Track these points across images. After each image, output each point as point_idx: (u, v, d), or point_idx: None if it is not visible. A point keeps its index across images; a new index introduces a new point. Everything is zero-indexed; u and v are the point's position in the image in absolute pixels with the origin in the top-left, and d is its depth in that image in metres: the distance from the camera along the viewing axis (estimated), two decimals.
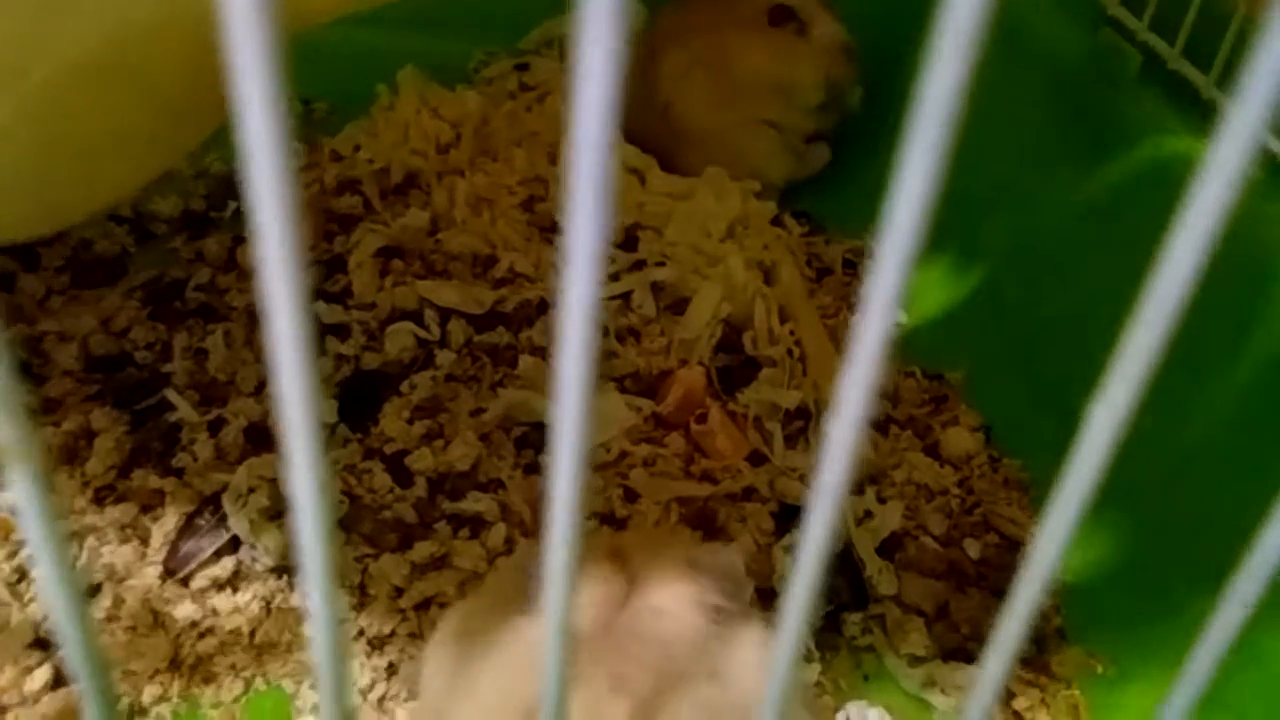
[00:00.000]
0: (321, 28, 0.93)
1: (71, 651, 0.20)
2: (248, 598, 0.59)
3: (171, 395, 0.68)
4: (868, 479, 0.66)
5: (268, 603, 0.59)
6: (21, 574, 0.59)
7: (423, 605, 0.59)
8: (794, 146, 0.86)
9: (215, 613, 0.59)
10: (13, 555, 0.60)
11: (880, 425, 0.70)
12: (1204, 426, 0.59)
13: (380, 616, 0.58)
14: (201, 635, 0.58)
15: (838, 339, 0.75)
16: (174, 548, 0.61)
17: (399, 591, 0.59)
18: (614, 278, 0.76)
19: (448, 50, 0.97)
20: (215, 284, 0.76)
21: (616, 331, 0.73)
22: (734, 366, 0.72)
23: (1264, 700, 0.50)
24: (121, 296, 0.75)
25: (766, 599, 0.60)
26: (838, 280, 0.81)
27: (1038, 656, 0.58)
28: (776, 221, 0.84)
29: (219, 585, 0.60)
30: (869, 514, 0.64)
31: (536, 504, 0.63)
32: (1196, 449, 0.59)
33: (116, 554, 0.60)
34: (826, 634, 0.59)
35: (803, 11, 0.84)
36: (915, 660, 0.58)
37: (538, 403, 0.67)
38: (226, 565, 0.60)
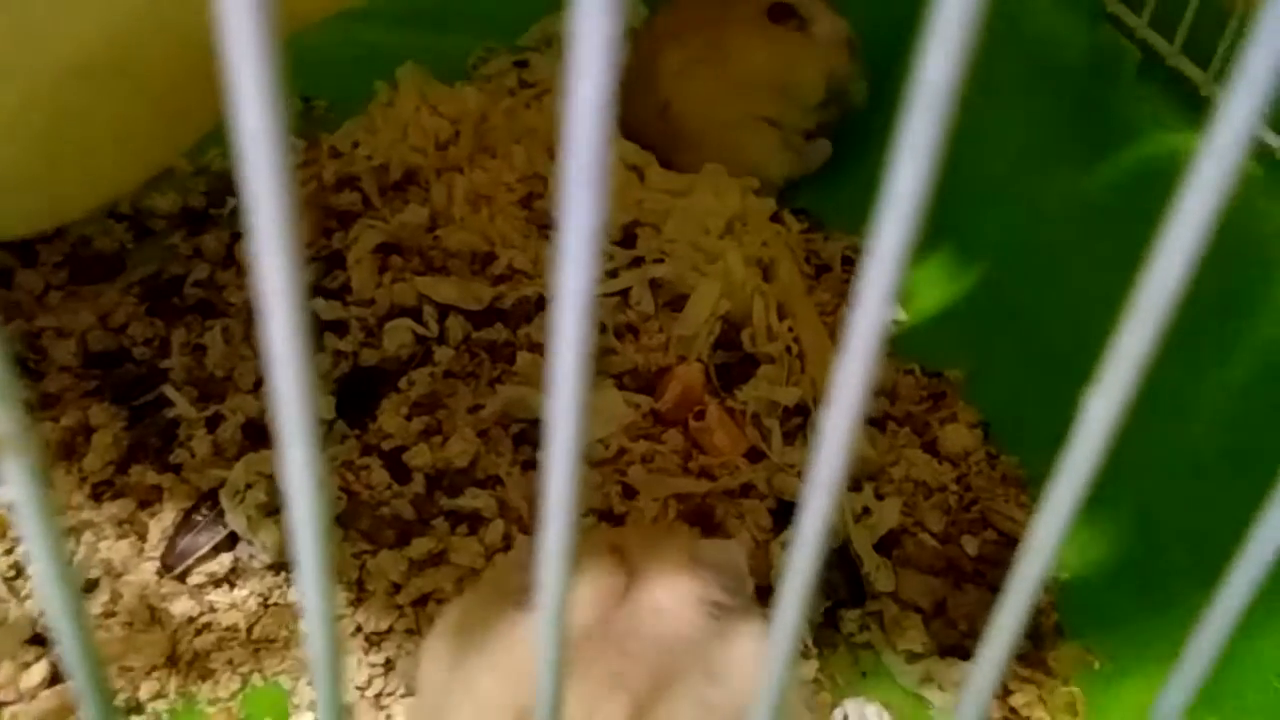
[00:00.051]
0: (320, 24, 0.93)
1: (68, 647, 0.20)
2: (245, 594, 0.60)
3: (169, 391, 0.68)
4: (866, 476, 0.66)
5: (265, 599, 0.60)
6: (18, 570, 0.59)
7: (420, 601, 0.59)
8: (794, 144, 0.86)
9: (213, 609, 0.59)
10: (9, 551, 0.60)
11: (879, 422, 0.70)
12: (1201, 422, 0.59)
13: (378, 613, 0.58)
14: (199, 631, 0.58)
15: (836, 336, 0.75)
16: (171, 544, 0.61)
17: (396, 588, 0.59)
18: (612, 274, 0.76)
19: (447, 47, 0.97)
20: (214, 280, 0.76)
21: (615, 328, 0.73)
22: (732, 363, 0.72)
23: (1260, 696, 0.50)
24: (120, 293, 0.75)
25: (764, 596, 0.60)
26: (836, 277, 0.81)
27: (1035, 653, 0.58)
28: (775, 218, 0.84)
29: (216, 581, 0.60)
30: (867, 511, 0.64)
31: (535, 500, 0.63)
32: (1194, 444, 0.59)
33: (114, 550, 0.60)
34: (824, 630, 0.59)
35: (803, 8, 0.84)
36: (913, 657, 0.59)
37: (536, 399, 0.67)
38: (224, 561, 0.60)
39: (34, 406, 0.66)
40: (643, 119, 0.85)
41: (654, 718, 0.38)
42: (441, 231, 0.78)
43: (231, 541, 0.61)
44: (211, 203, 0.83)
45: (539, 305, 0.74)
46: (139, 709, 0.55)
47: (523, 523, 0.63)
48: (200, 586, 0.60)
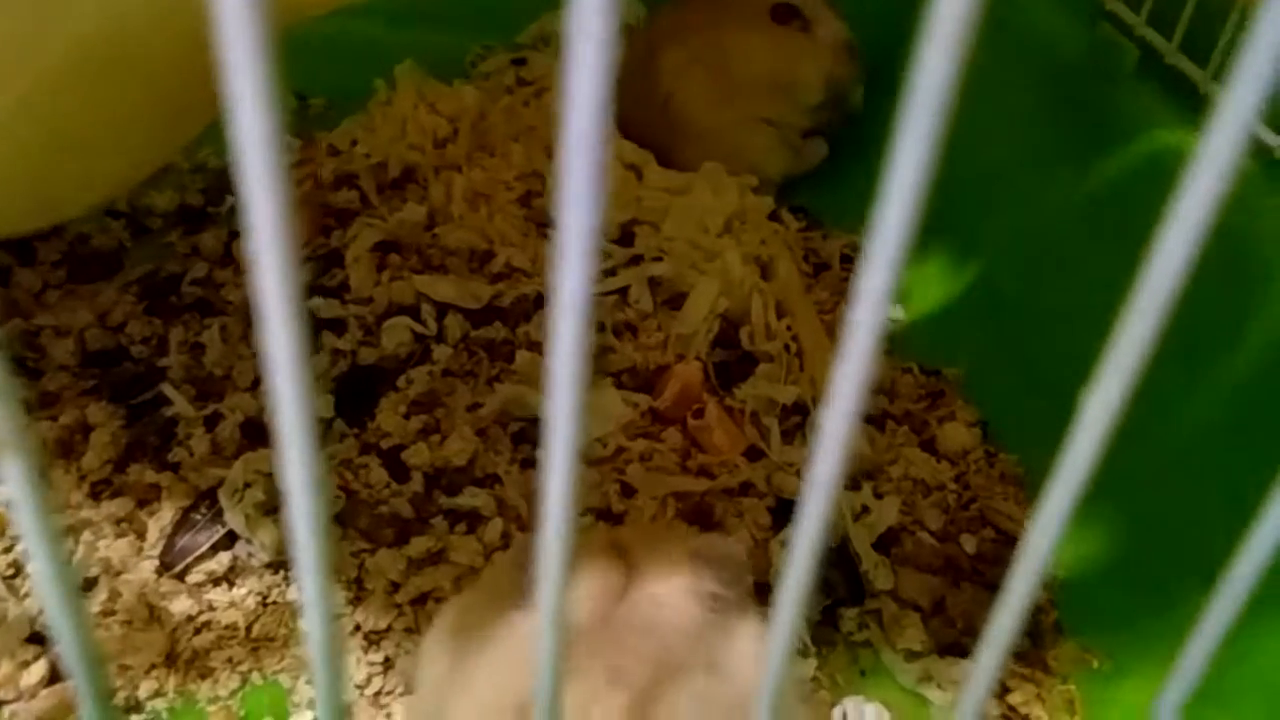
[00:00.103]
0: (318, 21, 0.92)
1: (67, 646, 0.20)
2: (244, 592, 0.59)
3: (168, 390, 0.68)
4: (864, 474, 0.66)
5: (264, 597, 0.59)
6: (17, 568, 0.59)
7: (419, 600, 0.59)
8: (791, 142, 0.86)
9: (211, 607, 0.59)
10: (8, 549, 0.60)
11: (877, 420, 0.70)
12: (1199, 420, 0.59)
13: (376, 611, 0.58)
14: (198, 630, 0.58)
15: (834, 334, 0.75)
16: (170, 542, 0.61)
17: (395, 586, 0.59)
18: (611, 273, 0.76)
19: (445, 45, 0.97)
20: (211, 279, 0.76)
21: (613, 327, 0.73)
22: (731, 362, 0.72)
23: (1258, 694, 0.50)
24: (118, 291, 0.75)
25: (764, 593, 0.60)
26: (835, 275, 0.81)
27: (1033, 651, 0.58)
28: (774, 217, 0.84)
29: (215, 580, 0.60)
30: (866, 509, 0.64)
31: (533, 499, 0.63)
32: (1192, 443, 0.59)
33: (112, 548, 0.60)
34: (823, 629, 0.59)
35: (806, 9, 0.84)
36: (911, 655, 0.59)
37: (534, 398, 0.67)
38: (223, 560, 0.60)
39: (32, 405, 0.66)
40: (642, 116, 0.85)
41: (653, 712, 0.38)
42: (440, 230, 0.78)
43: (230, 540, 0.61)
44: (209, 201, 0.83)
45: (537, 303, 0.74)
46: (138, 707, 0.55)
47: (521, 521, 0.63)
48: (199, 585, 0.60)
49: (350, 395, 0.68)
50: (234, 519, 0.61)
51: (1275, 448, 0.54)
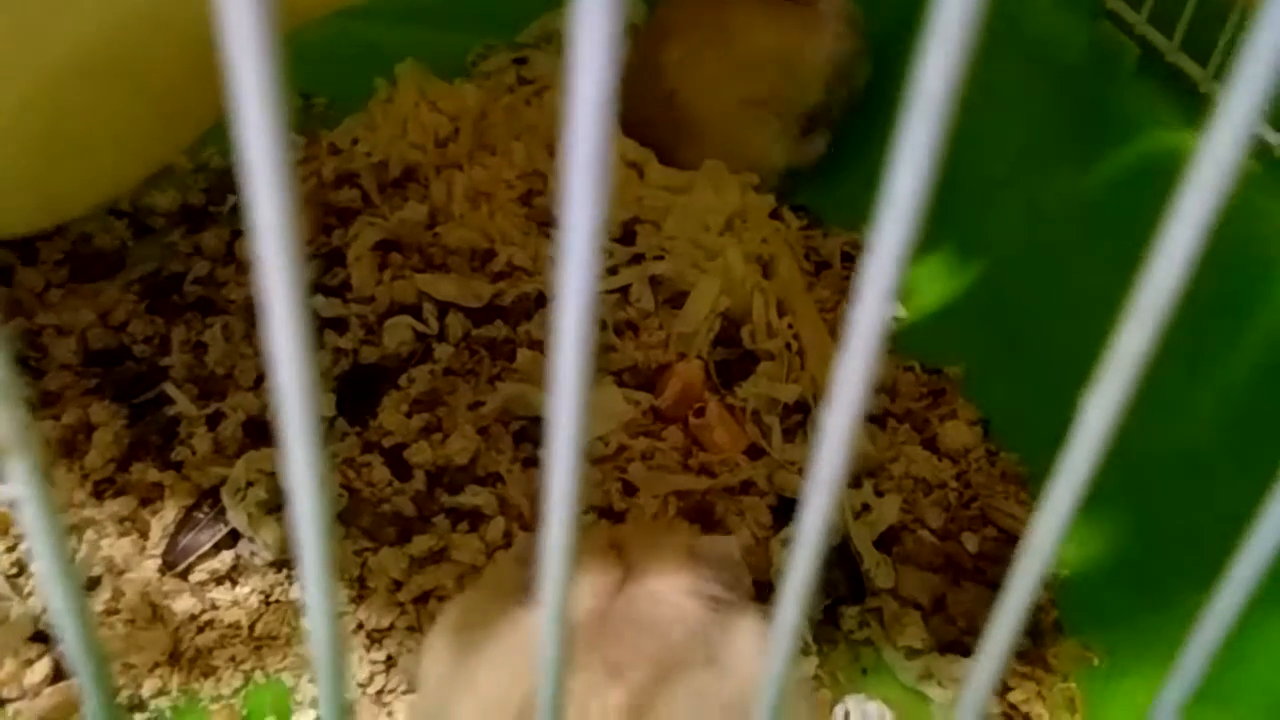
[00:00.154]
0: (320, 21, 0.93)
1: (71, 645, 0.20)
2: (247, 591, 0.60)
3: (170, 389, 0.68)
4: (866, 472, 0.66)
5: (267, 596, 0.60)
6: (21, 567, 0.59)
7: (421, 599, 0.59)
8: (794, 131, 0.86)
9: (214, 606, 0.59)
10: (12, 549, 0.60)
11: (878, 419, 0.70)
12: (1201, 420, 0.59)
13: (379, 610, 0.58)
14: (201, 629, 0.58)
15: (836, 333, 0.75)
16: (173, 541, 0.61)
17: (398, 585, 0.59)
18: (612, 271, 0.76)
19: (446, 44, 0.97)
20: (214, 278, 0.77)
21: (615, 325, 0.73)
22: (732, 360, 0.72)
23: (1258, 694, 0.50)
24: (120, 290, 0.75)
25: (764, 592, 0.60)
26: (836, 274, 0.81)
27: (1034, 649, 0.59)
28: (775, 215, 0.84)
29: (218, 579, 0.60)
30: (867, 507, 0.64)
31: (535, 497, 0.63)
32: (1193, 442, 0.59)
33: (115, 547, 0.60)
34: (824, 627, 0.60)
35: None
36: (912, 653, 0.59)
37: (536, 396, 0.67)
38: (225, 559, 0.60)
39: (35, 404, 0.67)
40: (644, 114, 0.85)
41: (651, 707, 0.38)
42: (441, 229, 0.78)
43: (233, 539, 0.61)
44: (211, 200, 0.83)
45: (539, 302, 0.74)
46: (141, 706, 0.55)
47: (523, 520, 0.63)
48: (202, 584, 0.60)
49: (352, 394, 0.68)
50: (236, 518, 0.61)
51: (1276, 446, 0.54)
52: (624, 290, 0.75)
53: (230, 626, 0.58)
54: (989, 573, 0.62)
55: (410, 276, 0.74)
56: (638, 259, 0.77)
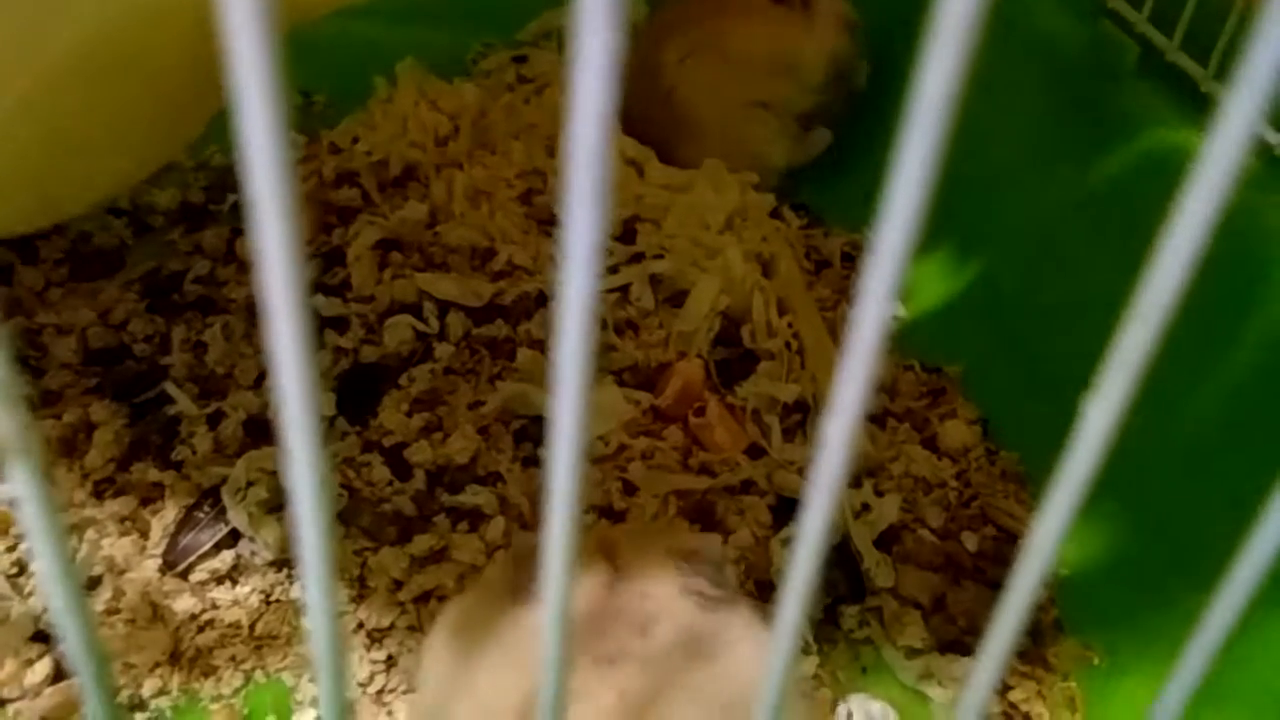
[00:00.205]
0: (320, 20, 0.93)
1: (72, 645, 0.20)
2: (247, 590, 0.60)
3: (170, 388, 0.68)
4: (865, 472, 0.66)
5: (267, 596, 0.60)
6: (21, 567, 0.59)
7: (422, 598, 0.59)
8: (794, 130, 0.87)
9: (215, 606, 0.59)
10: (12, 548, 0.60)
11: (878, 418, 0.70)
12: (1201, 419, 0.59)
13: (379, 610, 0.58)
14: (201, 628, 0.58)
15: (836, 332, 0.75)
16: (173, 541, 0.61)
17: (398, 584, 0.59)
18: (612, 270, 0.76)
19: (445, 42, 0.97)
20: (214, 276, 0.76)
21: (615, 324, 0.73)
22: (732, 359, 0.72)
23: (1258, 694, 0.50)
24: (120, 289, 0.75)
25: (765, 591, 0.60)
26: (836, 273, 0.81)
27: (1034, 648, 0.59)
28: (775, 214, 0.84)
29: (218, 578, 0.60)
30: (867, 507, 0.64)
31: (536, 497, 0.63)
32: (1193, 440, 0.59)
33: (116, 547, 0.60)
34: (824, 626, 0.60)
35: None
36: (912, 652, 0.59)
37: (536, 396, 0.67)
38: (226, 558, 0.60)
39: (35, 404, 0.66)
40: (644, 113, 0.85)
41: (640, 705, 0.38)
42: (441, 228, 0.78)
43: (233, 538, 0.61)
44: (211, 198, 0.83)
45: (539, 301, 0.74)
46: (142, 706, 0.55)
47: (524, 519, 0.63)
48: (202, 583, 0.60)
49: (352, 393, 0.68)
50: (237, 517, 0.61)
51: (1277, 445, 0.54)
52: (624, 289, 0.75)
53: (230, 626, 0.58)
54: (989, 572, 0.62)
55: (410, 275, 0.74)
56: (638, 258, 0.77)
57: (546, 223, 0.80)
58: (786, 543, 0.62)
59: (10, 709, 0.53)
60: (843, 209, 0.85)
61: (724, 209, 0.80)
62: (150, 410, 0.67)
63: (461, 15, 1.00)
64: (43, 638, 0.56)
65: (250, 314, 0.72)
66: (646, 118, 0.85)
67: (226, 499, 0.61)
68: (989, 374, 0.72)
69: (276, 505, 0.61)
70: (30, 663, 0.55)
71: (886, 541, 0.63)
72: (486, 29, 1.00)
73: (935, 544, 0.63)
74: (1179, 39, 0.67)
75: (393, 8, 0.98)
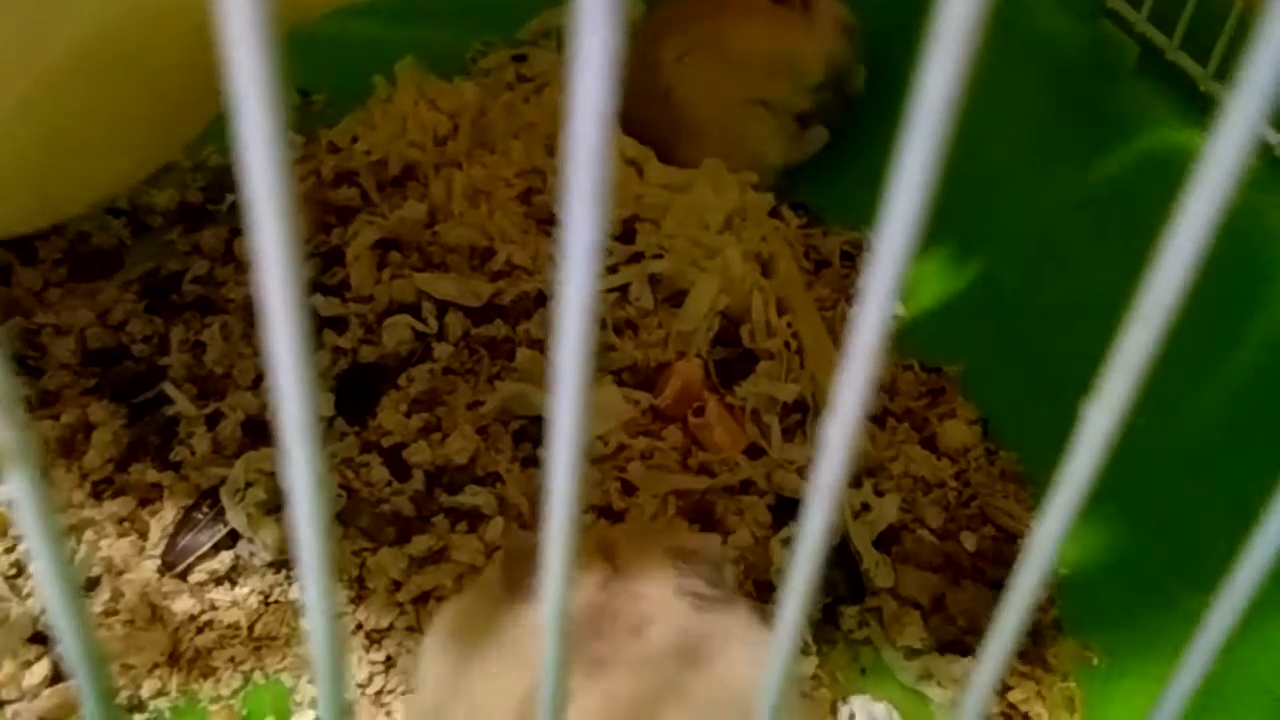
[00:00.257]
0: (319, 19, 0.92)
1: (70, 646, 0.20)
2: (246, 591, 0.60)
3: (169, 389, 0.68)
4: (865, 471, 0.66)
5: (266, 596, 0.60)
6: (19, 568, 0.59)
7: (420, 599, 0.59)
8: (791, 129, 0.87)
9: (213, 606, 0.59)
10: (11, 549, 0.60)
11: (878, 418, 0.70)
12: (1202, 419, 0.59)
13: (378, 610, 0.58)
14: (200, 629, 0.58)
15: (835, 331, 0.75)
16: (172, 541, 0.61)
17: (397, 585, 0.59)
18: (611, 270, 0.76)
19: (445, 41, 0.97)
20: (212, 277, 0.76)
21: (614, 324, 0.73)
22: (732, 359, 0.72)
23: (1258, 694, 0.50)
24: (118, 289, 0.75)
25: (764, 592, 0.60)
26: (835, 272, 0.81)
27: (1033, 649, 0.58)
28: (774, 213, 0.84)
29: (217, 579, 0.60)
30: (866, 507, 0.64)
31: (535, 497, 0.63)
32: (1194, 441, 0.59)
33: (114, 548, 0.60)
34: (824, 627, 0.59)
35: None
36: (912, 653, 0.59)
37: (535, 396, 0.67)
38: (224, 559, 0.60)
39: (33, 404, 0.66)
40: (643, 113, 0.85)
41: (634, 705, 0.38)
42: (440, 227, 0.78)
43: (232, 539, 0.61)
44: (209, 199, 0.83)
45: (538, 301, 0.74)
46: (141, 707, 0.55)
47: (523, 519, 0.63)
48: (201, 584, 0.60)
49: (351, 393, 0.68)
50: (236, 518, 0.61)
51: (1277, 447, 0.54)
52: (623, 289, 0.75)
53: (229, 627, 0.58)
54: (988, 572, 0.62)
55: (409, 275, 0.74)
56: (637, 257, 0.77)
57: (546, 222, 0.80)
58: (786, 543, 0.62)
59: (8, 710, 0.53)
60: (842, 208, 0.85)
61: (723, 209, 0.80)
62: (149, 411, 0.67)
63: (461, 14, 1.00)
64: (41, 639, 0.56)
65: (249, 314, 0.72)
66: (645, 117, 0.85)
67: (225, 500, 0.61)
68: (989, 374, 0.72)
69: (275, 506, 0.61)
70: (28, 664, 0.55)
71: (886, 541, 0.63)
72: (486, 28, 1.00)
73: (935, 544, 0.63)
74: (1179, 38, 0.67)
75: (392, 7, 0.98)
